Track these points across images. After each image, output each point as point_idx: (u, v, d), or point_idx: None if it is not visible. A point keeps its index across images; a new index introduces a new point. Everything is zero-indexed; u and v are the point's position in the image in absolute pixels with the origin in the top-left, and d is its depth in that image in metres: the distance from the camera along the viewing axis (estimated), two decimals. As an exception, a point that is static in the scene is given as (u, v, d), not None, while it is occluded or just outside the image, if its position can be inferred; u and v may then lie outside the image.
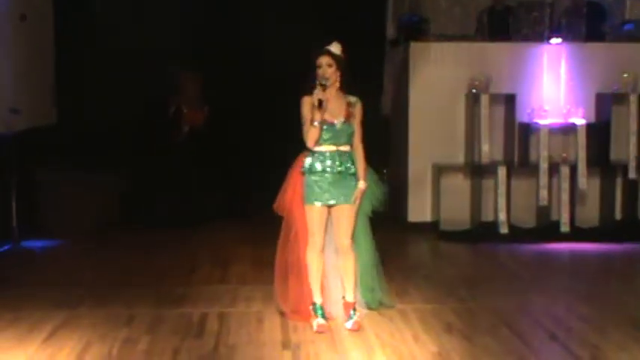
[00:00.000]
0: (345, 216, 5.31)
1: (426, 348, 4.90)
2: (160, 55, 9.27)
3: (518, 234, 8.24)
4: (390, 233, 8.09)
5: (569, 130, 8.43)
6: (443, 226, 8.38)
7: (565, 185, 8.30)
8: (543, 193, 8.28)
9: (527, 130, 8.45)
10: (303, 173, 5.31)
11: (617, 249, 7.91)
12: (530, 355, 4.79)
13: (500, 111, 8.51)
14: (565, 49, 8.61)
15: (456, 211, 8.39)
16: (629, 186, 8.46)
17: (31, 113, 8.32)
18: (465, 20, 9.63)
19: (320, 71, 5.24)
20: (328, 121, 5.23)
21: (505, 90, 8.48)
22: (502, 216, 8.25)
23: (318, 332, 5.18)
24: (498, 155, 8.50)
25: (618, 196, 8.55)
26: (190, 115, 9.11)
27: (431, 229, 8.44)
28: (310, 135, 5.21)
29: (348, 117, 5.28)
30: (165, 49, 9.31)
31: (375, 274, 5.61)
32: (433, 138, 8.53)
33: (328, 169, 5.25)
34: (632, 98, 8.33)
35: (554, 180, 8.37)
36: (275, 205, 5.44)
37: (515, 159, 8.48)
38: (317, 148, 5.27)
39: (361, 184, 5.32)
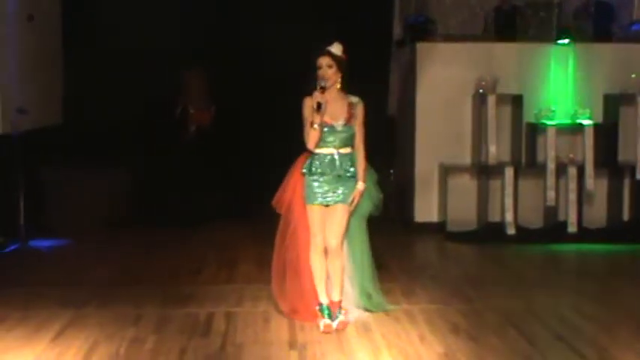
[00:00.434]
0: (337, 216, 5.28)
1: (433, 348, 4.89)
2: (165, 55, 9.29)
3: (525, 235, 8.23)
4: (396, 234, 8.13)
5: (577, 130, 8.42)
6: (449, 227, 8.37)
7: (572, 186, 8.28)
8: (550, 193, 8.26)
9: (535, 130, 8.44)
10: (303, 174, 5.32)
11: (624, 250, 7.89)
12: (536, 355, 4.78)
13: (507, 111, 8.50)
14: (572, 50, 8.59)
15: (463, 212, 8.38)
16: (637, 187, 8.44)
17: (38, 113, 8.35)
18: (471, 20, 9.63)
19: (320, 72, 5.23)
20: (328, 123, 5.23)
21: (512, 90, 8.47)
22: (509, 216, 8.24)
23: (325, 332, 5.18)
24: (505, 156, 8.49)
25: (626, 196, 8.53)
26: (197, 115, 9.13)
27: (437, 229, 8.44)
28: (310, 137, 5.21)
29: (349, 118, 5.27)
30: (170, 50, 9.33)
31: (371, 277, 5.60)
32: (440, 138, 8.53)
33: (328, 172, 5.25)
34: (640, 99, 8.32)
35: (562, 181, 8.36)
36: (274, 202, 5.45)
37: (523, 159, 8.47)
38: (317, 150, 5.27)
39: (359, 185, 5.30)
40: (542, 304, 5.86)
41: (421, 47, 8.62)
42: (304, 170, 5.30)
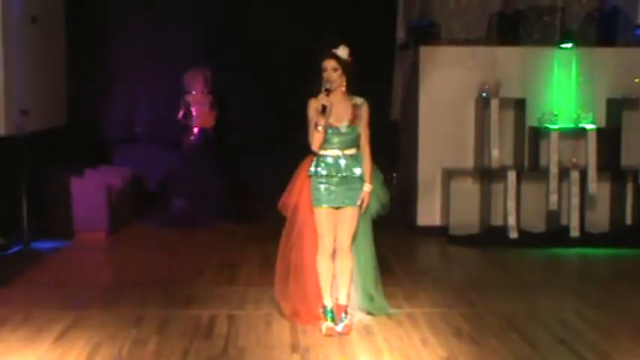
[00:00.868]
0: (348, 218, 5.30)
1: (435, 352, 4.89)
2: (169, 57, 9.32)
3: (527, 238, 8.22)
4: (399, 237, 8.12)
5: (580, 134, 8.41)
6: (452, 231, 8.37)
7: (575, 190, 8.27)
8: (553, 197, 8.26)
9: (538, 134, 8.43)
10: (309, 176, 5.32)
11: (627, 254, 7.88)
12: (538, 359, 4.77)
13: (510, 115, 8.50)
14: (576, 54, 8.59)
15: (466, 216, 8.38)
16: (640, 191, 8.44)
17: (42, 115, 8.36)
18: (475, 24, 9.62)
19: (325, 75, 5.24)
20: (333, 125, 5.24)
21: (515, 94, 8.47)
22: (512, 220, 8.24)
23: (327, 335, 5.18)
24: (508, 160, 8.49)
25: (629, 201, 8.52)
26: (200, 116, 9.13)
27: (440, 233, 8.43)
28: (314, 139, 5.22)
29: (353, 120, 5.28)
30: (173, 51, 9.36)
31: (374, 280, 5.60)
32: (443, 142, 8.52)
33: (334, 173, 5.26)
34: (644, 103, 8.33)
35: (564, 185, 8.35)
36: (280, 204, 5.46)
37: (525, 163, 8.46)
38: (322, 152, 5.28)
39: (366, 187, 5.31)
40: (545, 308, 5.86)
41: (424, 51, 8.62)
42: (310, 172, 5.30)
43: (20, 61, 7.95)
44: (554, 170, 8.24)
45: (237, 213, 9.16)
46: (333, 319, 5.28)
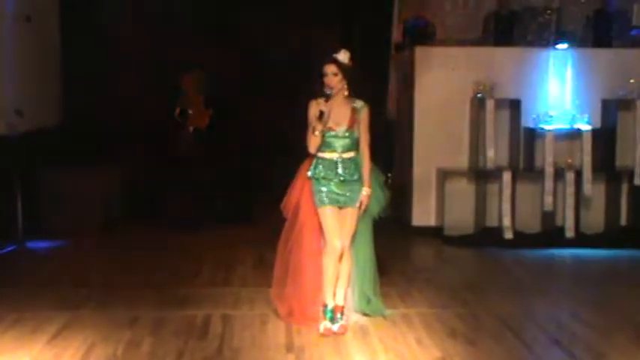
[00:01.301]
0: (348, 219, 5.32)
1: (430, 352, 4.89)
2: (163, 57, 9.30)
3: (522, 239, 8.23)
4: (394, 237, 8.10)
5: (575, 135, 8.42)
6: (447, 231, 8.37)
7: (570, 191, 8.28)
8: (548, 198, 8.26)
9: (533, 135, 8.44)
10: (309, 178, 5.33)
11: (621, 255, 7.89)
12: (534, 360, 4.79)
13: (505, 116, 8.50)
14: (571, 55, 8.60)
15: (461, 216, 8.38)
16: (635, 192, 8.44)
17: (36, 115, 8.34)
18: (470, 25, 9.62)
19: (325, 80, 5.25)
20: (331, 129, 5.25)
21: (510, 95, 8.48)
22: (506, 221, 8.24)
23: (324, 335, 5.17)
24: (503, 160, 8.49)
25: (623, 202, 8.53)
26: (195, 116, 9.12)
27: (435, 233, 8.43)
28: (311, 143, 5.26)
29: (352, 124, 5.29)
30: (168, 51, 9.34)
31: (372, 282, 5.59)
32: (438, 142, 8.52)
33: (332, 176, 5.27)
34: (639, 104, 8.31)
35: (559, 185, 8.36)
36: (282, 206, 5.46)
37: (520, 164, 8.47)
38: (320, 155, 5.30)
39: (365, 191, 5.32)
40: (540, 309, 5.86)
41: (420, 51, 8.62)
42: (309, 174, 5.31)
43: (14, 60, 7.93)
44: (549, 171, 8.25)
45: (231, 213, 9.15)
46: (331, 319, 5.27)
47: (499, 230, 8.30)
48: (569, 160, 8.38)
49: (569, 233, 8.28)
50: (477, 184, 8.46)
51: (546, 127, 8.33)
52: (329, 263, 5.30)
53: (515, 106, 8.45)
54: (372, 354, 4.88)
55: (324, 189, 5.28)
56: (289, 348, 4.98)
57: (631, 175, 8.38)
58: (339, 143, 5.27)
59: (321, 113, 5.16)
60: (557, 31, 8.82)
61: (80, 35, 9.39)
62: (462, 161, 8.57)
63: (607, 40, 8.86)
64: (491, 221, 8.43)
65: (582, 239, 8.27)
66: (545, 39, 8.74)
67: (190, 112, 9.12)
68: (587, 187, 8.27)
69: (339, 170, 5.27)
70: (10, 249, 7.69)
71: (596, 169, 8.30)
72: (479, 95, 8.40)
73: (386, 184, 5.73)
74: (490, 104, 8.30)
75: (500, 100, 8.39)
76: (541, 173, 8.30)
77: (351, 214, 5.33)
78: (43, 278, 6.74)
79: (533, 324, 5.50)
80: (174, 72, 9.14)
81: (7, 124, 7.70)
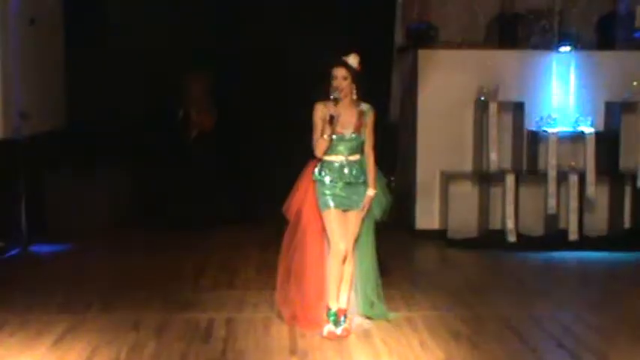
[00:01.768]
0: (352, 222, 5.34)
1: (434, 355, 4.89)
2: (167, 59, 9.31)
3: (526, 242, 8.21)
4: (397, 240, 8.11)
5: (578, 138, 8.41)
6: (450, 234, 8.36)
7: (573, 193, 8.27)
8: (551, 201, 8.26)
9: (536, 138, 8.43)
10: (314, 181, 5.34)
11: (625, 258, 7.88)
12: (537, 363, 4.79)
13: (508, 119, 8.50)
14: (574, 57, 8.59)
15: (464, 219, 8.37)
16: (638, 195, 8.43)
17: (41, 118, 8.35)
18: (473, 28, 9.61)
19: (334, 83, 5.26)
20: (338, 132, 5.26)
21: (514, 98, 8.47)
22: (510, 224, 8.23)
23: (327, 338, 5.17)
24: (506, 163, 8.49)
25: (627, 204, 8.51)
26: (199, 118, 9.13)
27: (438, 236, 8.42)
28: (319, 146, 5.26)
29: (358, 127, 5.31)
30: (172, 53, 9.35)
31: (375, 286, 5.58)
32: (441, 145, 8.52)
33: (337, 179, 5.28)
34: (642, 107, 8.33)
35: (563, 188, 8.35)
36: (284, 208, 5.46)
37: (524, 167, 8.46)
38: (326, 158, 5.32)
39: (370, 192, 5.33)
40: (544, 312, 5.86)
41: (423, 54, 8.62)
42: (315, 177, 5.32)
43: (18, 63, 7.94)
44: (552, 174, 8.24)
45: (235, 215, 9.16)
46: (335, 322, 5.27)
47: (502, 233, 8.29)
48: (573, 163, 8.37)
49: (573, 236, 8.27)
50: (480, 187, 8.46)
51: (550, 129, 8.32)
52: (333, 266, 5.30)
53: (518, 108, 8.45)
54: (376, 357, 4.89)
55: (328, 192, 5.29)
56: (293, 351, 4.98)
57: (634, 177, 8.36)
58: (345, 146, 5.29)
59: (332, 117, 5.18)
60: (561, 33, 8.81)
61: (84, 37, 9.40)
62: (466, 164, 8.57)
63: (611, 43, 8.85)
64: (495, 224, 8.43)
65: (586, 242, 8.25)
66: (548, 41, 8.73)
67: (194, 114, 9.13)
68: (591, 190, 8.26)
69: (345, 173, 5.28)
70: (14, 252, 7.70)
71: (599, 172, 8.29)
72: (482, 98, 8.39)
73: (389, 188, 5.74)
74: (493, 107, 8.30)
75: (503, 102, 8.39)
76: (544, 176, 8.30)
77: (354, 217, 5.34)
78: (47, 281, 6.75)
79: (536, 326, 5.49)
80: (178, 74, 9.15)
81: (11, 127, 7.71)
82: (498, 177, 8.35)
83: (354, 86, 5.29)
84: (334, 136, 5.25)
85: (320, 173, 5.31)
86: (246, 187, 9.48)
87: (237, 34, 9.77)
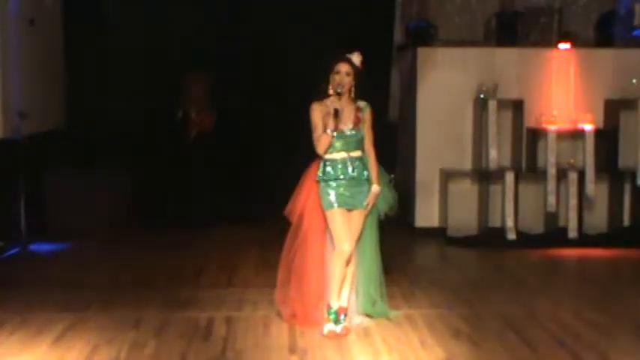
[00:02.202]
0: (355, 221, 5.32)
1: (434, 353, 4.89)
2: (167, 59, 9.31)
3: (525, 240, 8.22)
4: (397, 238, 8.10)
5: (578, 135, 8.42)
6: (450, 232, 8.37)
7: (573, 191, 8.28)
8: (551, 199, 8.26)
9: (535, 135, 8.44)
10: (318, 181, 5.33)
11: (625, 255, 7.88)
12: (537, 360, 4.79)
13: (508, 116, 8.51)
14: (574, 55, 8.60)
15: (464, 217, 8.38)
16: (638, 192, 8.44)
17: (41, 117, 8.36)
18: (472, 26, 9.63)
19: (337, 77, 5.26)
20: (338, 129, 5.26)
21: (513, 95, 8.48)
22: (510, 222, 8.24)
23: (327, 337, 5.17)
24: (506, 161, 8.49)
25: (627, 202, 8.53)
26: (199, 119, 9.13)
27: (438, 234, 8.43)
28: (322, 142, 5.25)
29: (357, 123, 5.31)
30: (172, 53, 9.35)
31: (378, 284, 5.58)
32: (441, 143, 8.53)
33: (342, 176, 5.28)
34: (641, 104, 8.33)
35: (562, 186, 8.36)
36: (286, 211, 5.45)
37: (523, 165, 8.47)
38: (328, 156, 5.30)
39: (374, 188, 5.33)
40: (543, 309, 5.85)
41: (422, 52, 8.63)
42: (319, 177, 5.31)
43: (18, 63, 7.94)
44: (552, 171, 8.25)
45: (235, 215, 9.16)
46: (335, 320, 5.27)
47: (502, 231, 8.30)
48: (572, 161, 8.37)
49: (572, 233, 8.28)
50: (480, 185, 8.47)
51: (549, 127, 8.33)
52: (336, 266, 5.29)
53: (518, 106, 8.45)
54: (376, 355, 4.89)
55: (332, 191, 5.28)
56: (292, 350, 4.98)
57: (634, 175, 8.37)
58: (345, 142, 5.28)
59: (336, 111, 5.18)
60: (560, 31, 8.81)
61: (84, 38, 9.40)
62: (465, 162, 8.57)
63: (610, 41, 8.86)
64: (495, 222, 8.43)
65: (585, 239, 8.26)
66: (547, 39, 8.74)
67: (194, 114, 9.13)
68: (590, 188, 8.27)
69: (349, 169, 5.28)
70: (14, 251, 7.71)
71: (599, 170, 8.29)
72: (481, 96, 8.40)
73: (391, 184, 5.74)
74: (493, 105, 8.30)
75: (502, 100, 8.39)
76: (544, 174, 8.30)
77: (358, 215, 5.33)
78: (47, 280, 6.75)
79: (536, 324, 5.49)
80: (178, 74, 9.16)
81: (11, 127, 7.72)
82: (498, 175, 8.35)
83: (354, 84, 5.30)
84: (335, 134, 5.23)
85: (323, 173, 5.30)
86: (245, 186, 9.48)
87: (237, 34, 9.76)
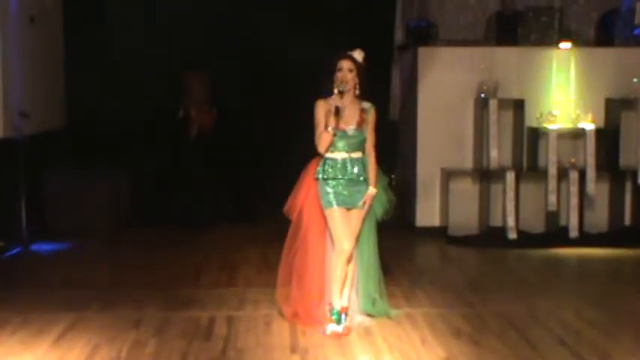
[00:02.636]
0: (353, 220, 5.33)
1: (434, 352, 4.89)
2: (167, 57, 9.31)
3: (526, 239, 8.22)
4: (398, 238, 8.11)
5: (579, 135, 8.42)
6: (451, 231, 8.37)
7: (574, 190, 8.27)
8: (552, 198, 8.26)
9: (536, 135, 8.43)
10: (316, 179, 5.32)
11: (626, 254, 7.88)
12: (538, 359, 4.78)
13: (508, 116, 8.50)
14: (574, 54, 8.59)
15: (465, 216, 8.38)
16: (639, 191, 8.43)
17: (41, 117, 8.35)
18: (473, 25, 9.62)
19: (340, 74, 5.25)
20: (341, 128, 5.25)
21: (514, 95, 8.48)
22: (510, 221, 8.24)
23: (330, 336, 5.16)
24: (507, 160, 8.49)
25: (627, 201, 8.52)
26: (199, 117, 9.13)
27: (439, 233, 8.43)
28: (323, 141, 5.23)
29: (361, 124, 5.30)
30: (172, 51, 9.35)
31: (377, 283, 5.58)
32: (441, 143, 8.53)
33: (340, 176, 5.27)
34: (642, 103, 8.33)
35: (563, 185, 8.35)
36: (285, 208, 5.45)
37: (524, 164, 8.47)
38: (328, 155, 5.29)
39: (371, 190, 5.33)
40: (544, 309, 5.85)
41: (423, 52, 8.62)
42: (317, 175, 5.31)
43: (18, 62, 7.94)
44: (552, 171, 8.25)
45: (235, 213, 9.16)
46: (337, 320, 5.26)
47: (503, 230, 8.29)
48: (573, 160, 8.37)
49: (573, 233, 8.27)
50: (480, 184, 8.46)
51: (550, 126, 8.33)
52: (337, 265, 5.29)
53: (518, 105, 8.45)
54: (377, 354, 4.89)
55: (331, 190, 5.27)
56: (294, 349, 4.98)
57: (634, 174, 8.37)
58: (347, 142, 5.27)
59: (337, 109, 5.16)
60: (561, 30, 8.81)
61: (84, 36, 9.40)
62: (466, 161, 8.57)
63: (611, 40, 8.85)
64: (495, 221, 8.43)
65: (586, 239, 8.26)
66: (548, 38, 8.73)
67: (194, 112, 9.13)
68: (591, 187, 8.27)
69: (348, 170, 5.27)
70: (15, 251, 7.71)
71: (599, 169, 8.29)
72: (482, 95, 8.40)
73: (390, 187, 5.74)
74: (493, 104, 8.30)
75: (503, 100, 8.39)
76: (545, 173, 8.30)
77: (356, 215, 5.33)
78: (48, 280, 6.75)
79: (537, 323, 5.49)
80: (178, 72, 9.16)
81: (12, 127, 7.71)
82: (499, 174, 8.35)
83: (357, 81, 5.29)
84: (337, 133, 5.22)
85: (322, 171, 5.30)
86: (246, 185, 9.48)
87: (236, 34, 9.77)
